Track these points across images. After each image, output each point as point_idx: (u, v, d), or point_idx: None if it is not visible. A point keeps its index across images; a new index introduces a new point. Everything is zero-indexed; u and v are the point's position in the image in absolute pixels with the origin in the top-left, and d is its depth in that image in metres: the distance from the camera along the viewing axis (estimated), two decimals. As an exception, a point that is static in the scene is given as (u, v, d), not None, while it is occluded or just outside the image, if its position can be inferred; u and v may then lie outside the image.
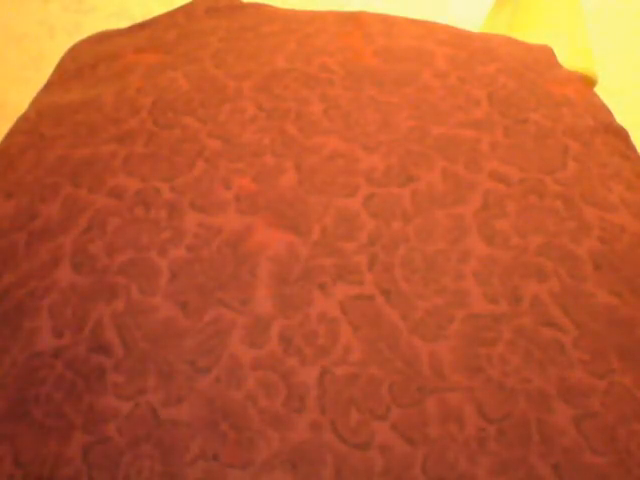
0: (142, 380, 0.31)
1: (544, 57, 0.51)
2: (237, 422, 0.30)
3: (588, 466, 0.31)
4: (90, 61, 0.51)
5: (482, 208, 0.38)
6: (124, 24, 0.48)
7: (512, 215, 0.38)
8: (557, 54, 0.51)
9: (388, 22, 0.51)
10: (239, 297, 0.34)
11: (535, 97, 0.45)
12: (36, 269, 0.34)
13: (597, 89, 0.98)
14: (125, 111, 0.43)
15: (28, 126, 0.46)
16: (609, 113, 0.50)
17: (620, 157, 0.44)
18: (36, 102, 0.49)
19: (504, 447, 0.31)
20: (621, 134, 0.47)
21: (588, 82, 0.71)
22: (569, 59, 0.63)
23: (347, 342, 0.32)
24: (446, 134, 0.42)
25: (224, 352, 0.32)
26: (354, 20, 0.50)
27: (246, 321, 0.33)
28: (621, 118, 0.46)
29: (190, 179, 0.39)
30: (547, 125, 0.44)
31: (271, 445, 0.30)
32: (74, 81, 0.49)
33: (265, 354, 0.32)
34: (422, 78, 0.45)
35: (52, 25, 1.00)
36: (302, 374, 0.31)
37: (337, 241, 0.36)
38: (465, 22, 1.03)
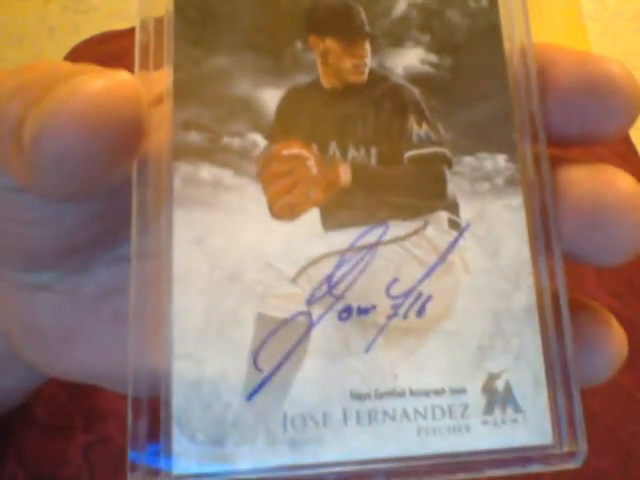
0: None
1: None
2: None
3: (588, 466, 0.30)
4: (92, 62, 0.51)
5: None
6: (124, 24, 0.48)
7: None
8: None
9: None
10: None
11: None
12: None
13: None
14: None
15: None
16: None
17: (620, 158, 0.44)
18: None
19: None
20: (621, 135, 0.47)
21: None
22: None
23: None
24: None
25: None
26: None
27: None
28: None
29: None
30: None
31: None
32: (77, 82, 0.50)
33: None
34: None
35: (52, 25, 1.01)
36: None
37: None
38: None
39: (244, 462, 0.14)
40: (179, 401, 0.14)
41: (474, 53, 0.18)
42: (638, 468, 0.31)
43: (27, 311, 0.18)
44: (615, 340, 0.17)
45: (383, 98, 0.17)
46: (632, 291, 0.37)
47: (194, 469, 0.14)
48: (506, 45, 0.18)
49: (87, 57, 0.50)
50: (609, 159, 0.43)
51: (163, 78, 0.15)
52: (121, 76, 0.14)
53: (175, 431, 0.14)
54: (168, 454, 0.14)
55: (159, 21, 0.16)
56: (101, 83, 0.13)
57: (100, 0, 1.01)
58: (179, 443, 0.14)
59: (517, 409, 0.16)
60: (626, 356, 0.17)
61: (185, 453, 0.14)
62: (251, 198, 0.15)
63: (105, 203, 0.16)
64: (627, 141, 0.46)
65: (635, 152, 0.46)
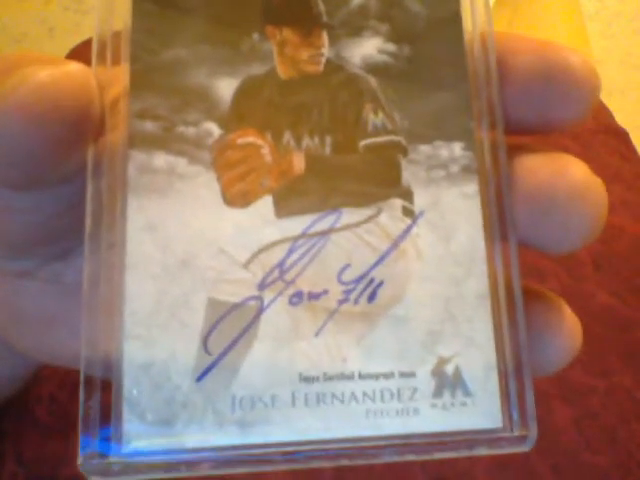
0: None
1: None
2: None
3: (588, 466, 0.30)
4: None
5: None
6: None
7: None
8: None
9: None
10: None
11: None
12: None
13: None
14: None
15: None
16: (609, 114, 0.49)
17: (620, 158, 0.44)
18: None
19: None
20: (621, 135, 0.47)
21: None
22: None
23: None
24: None
25: None
26: None
27: None
28: (621, 118, 0.45)
29: None
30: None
31: None
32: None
33: None
34: None
35: (52, 25, 1.02)
36: None
37: None
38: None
39: (193, 441, 0.15)
40: (129, 382, 0.15)
41: (433, 42, 0.18)
42: (638, 468, 0.32)
43: (10, 297, 0.19)
44: (568, 331, 0.17)
45: (339, 88, 0.17)
46: (632, 290, 0.37)
47: (144, 448, 0.14)
48: (466, 34, 0.18)
49: (87, 57, 0.50)
50: (608, 157, 0.43)
51: (121, 75, 0.16)
52: (70, 66, 0.14)
53: (125, 411, 0.14)
54: (119, 434, 0.14)
55: (117, 33, 0.16)
56: (48, 73, 0.14)
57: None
58: (129, 423, 0.14)
59: (466, 393, 0.16)
60: (580, 347, 0.17)
61: (135, 433, 0.14)
62: (204, 186, 0.16)
63: (80, 193, 0.16)
64: (626, 140, 0.46)
65: (634, 151, 0.46)
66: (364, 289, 0.16)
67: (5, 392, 0.28)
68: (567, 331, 0.17)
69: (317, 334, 0.16)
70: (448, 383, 0.16)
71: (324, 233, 0.16)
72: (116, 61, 0.16)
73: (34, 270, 0.18)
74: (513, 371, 0.16)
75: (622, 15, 1.03)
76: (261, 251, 0.16)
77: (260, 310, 0.15)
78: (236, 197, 0.16)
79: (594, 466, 0.31)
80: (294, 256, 0.16)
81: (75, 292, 0.18)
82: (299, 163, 0.16)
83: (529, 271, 0.36)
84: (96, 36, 0.16)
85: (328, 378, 0.16)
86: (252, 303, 0.15)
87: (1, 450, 0.32)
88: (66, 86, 0.14)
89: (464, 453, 0.16)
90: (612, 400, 0.33)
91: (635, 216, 0.40)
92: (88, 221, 0.15)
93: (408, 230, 0.17)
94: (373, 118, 0.17)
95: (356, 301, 0.16)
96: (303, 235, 0.16)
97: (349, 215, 0.16)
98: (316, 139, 0.17)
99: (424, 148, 0.17)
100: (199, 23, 0.17)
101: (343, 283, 0.16)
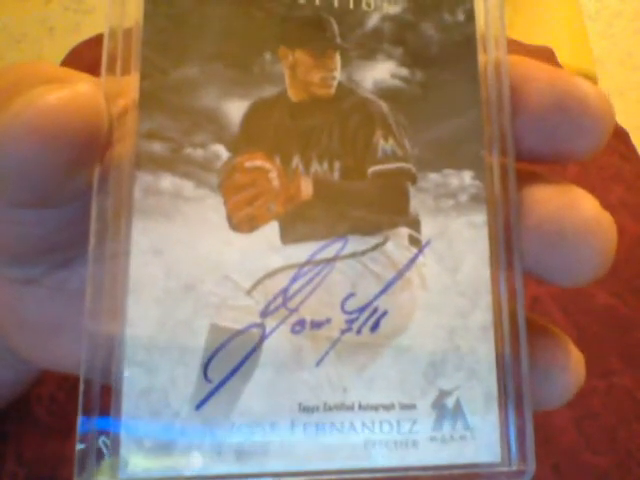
0: None
1: (544, 58, 0.50)
2: None
3: (588, 466, 0.31)
4: (93, 63, 0.51)
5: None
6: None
7: None
8: (557, 54, 0.51)
9: None
10: None
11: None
12: None
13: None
14: None
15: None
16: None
17: (620, 158, 0.44)
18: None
19: None
20: (621, 135, 0.46)
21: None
22: (569, 59, 0.62)
23: None
24: None
25: None
26: None
27: None
28: (621, 118, 0.45)
29: None
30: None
31: None
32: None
33: None
34: None
35: (52, 25, 1.01)
36: None
37: None
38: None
39: (190, 469, 0.15)
40: (128, 407, 0.14)
41: (447, 68, 0.18)
42: (638, 468, 0.32)
43: (16, 304, 0.19)
44: (572, 368, 0.17)
45: (350, 112, 0.17)
46: (632, 291, 0.37)
47: (140, 473, 0.14)
48: (480, 60, 0.18)
49: (87, 58, 0.50)
50: (608, 158, 0.43)
51: (130, 86, 0.16)
52: (79, 86, 0.14)
53: (123, 436, 0.14)
54: (116, 459, 0.14)
55: (128, 31, 0.16)
56: (57, 96, 0.13)
57: (100, 0, 1.00)
58: (126, 448, 0.14)
59: (466, 426, 0.16)
60: (583, 383, 0.17)
61: (132, 458, 0.14)
62: (211, 209, 0.16)
63: (83, 208, 0.16)
64: (627, 140, 0.46)
65: (634, 151, 0.45)
66: (367, 319, 0.16)
67: (8, 395, 0.28)
68: (573, 367, 0.17)
69: (318, 364, 0.16)
70: (448, 416, 0.16)
71: (329, 261, 0.16)
72: (126, 71, 0.16)
73: (40, 277, 0.18)
74: (514, 405, 0.16)
75: (622, 15, 1.03)
76: (265, 277, 0.16)
77: (262, 338, 0.15)
78: (242, 222, 0.16)
79: (594, 466, 0.31)
80: (298, 283, 0.16)
81: (79, 299, 0.18)
82: (307, 188, 0.16)
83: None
84: (106, 46, 0.16)
85: (328, 408, 0.15)
86: (254, 330, 0.15)
87: (2, 450, 0.32)
88: (75, 108, 0.13)
89: None
90: (612, 400, 0.33)
91: (635, 216, 0.40)
92: (92, 240, 0.15)
93: (414, 259, 0.16)
94: (383, 144, 0.17)
95: (359, 331, 0.16)
96: (308, 262, 0.16)
97: (355, 243, 0.16)
98: (325, 164, 0.16)
99: (433, 176, 0.17)
100: (211, 41, 0.16)
101: (346, 312, 0.16)
